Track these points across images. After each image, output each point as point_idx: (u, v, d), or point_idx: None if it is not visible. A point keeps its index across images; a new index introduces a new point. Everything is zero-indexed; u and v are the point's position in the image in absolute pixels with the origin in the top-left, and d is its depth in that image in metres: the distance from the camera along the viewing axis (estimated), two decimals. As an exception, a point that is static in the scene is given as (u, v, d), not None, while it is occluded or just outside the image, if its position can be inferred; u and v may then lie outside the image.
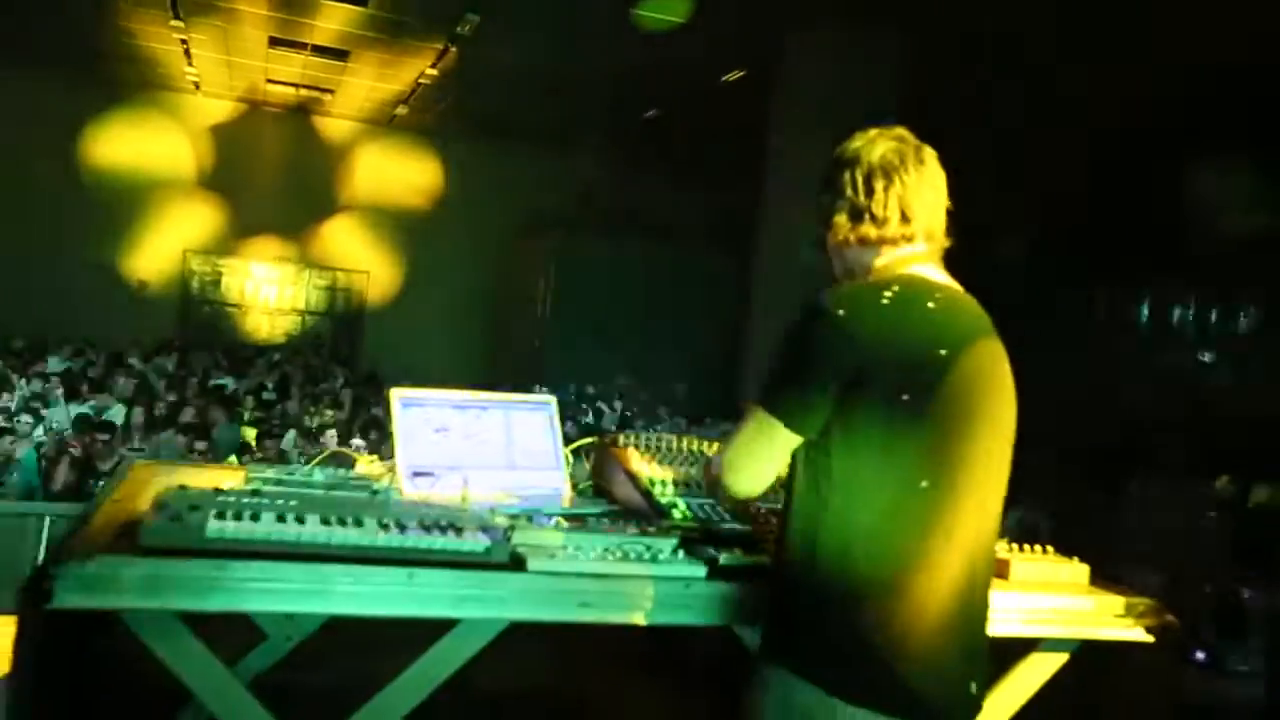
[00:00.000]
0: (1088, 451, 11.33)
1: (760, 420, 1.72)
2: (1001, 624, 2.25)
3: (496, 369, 17.81)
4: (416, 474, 2.41)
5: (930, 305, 1.70)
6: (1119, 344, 13.66)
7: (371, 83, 16.28)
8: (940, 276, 1.81)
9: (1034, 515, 8.14)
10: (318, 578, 1.80)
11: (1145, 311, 13.87)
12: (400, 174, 18.90)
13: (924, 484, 1.63)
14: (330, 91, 16.92)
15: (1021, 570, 2.33)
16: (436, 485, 2.38)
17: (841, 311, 1.68)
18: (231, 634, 2.75)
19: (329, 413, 10.79)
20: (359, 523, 1.89)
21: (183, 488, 1.93)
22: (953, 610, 1.66)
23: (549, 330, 17.99)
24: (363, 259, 19.01)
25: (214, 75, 16.51)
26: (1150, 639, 2.30)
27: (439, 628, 1.98)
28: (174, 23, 13.99)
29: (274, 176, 18.08)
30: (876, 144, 1.83)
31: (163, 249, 17.83)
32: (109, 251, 17.39)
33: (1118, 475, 10.57)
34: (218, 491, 1.94)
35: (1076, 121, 11.95)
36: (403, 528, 1.90)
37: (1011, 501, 1.83)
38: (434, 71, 15.22)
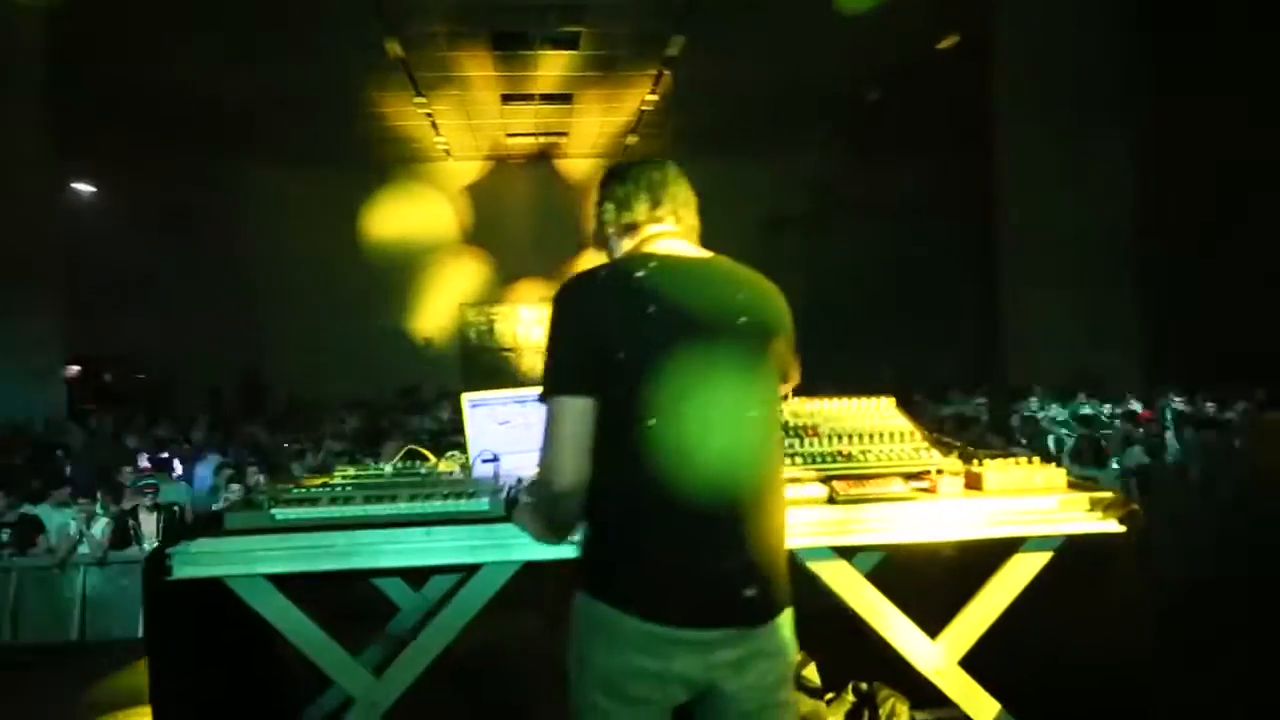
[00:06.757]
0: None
1: (548, 405, 2.00)
2: (969, 528, 2.51)
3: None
4: (484, 460, 2.93)
5: (640, 274, 2.01)
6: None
7: (600, 118, 17.25)
8: (680, 248, 2.14)
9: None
10: (358, 541, 2.36)
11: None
12: (642, 200, 19.75)
13: (651, 422, 1.91)
14: (564, 134, 18.07)
15: (993, 479, 2.56)
16: (500, 467, 2.90)
17: (565, 294, 2.04)
18: (375, 605, 3.41)
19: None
20: (394, 498, 2.43)
21: (272, 483, 2.54)
22: (698, 525, 1.91)
23: (803, 328, 18.22)
24: (619, 287, 19.96)
25: (460, 140, 18.10)
26: (1122, 529, 2.45)
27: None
28: (417, 99, 15.53)
29: (527, 222, 19.46)
30: (627, 162, 2.29)
31: (441, 305, 19.65)
32: (396, 315, 19.39)
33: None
34: (296, 486, 2.54)
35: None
36: (427, 498, 2.43)
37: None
38: (654, 97, 15.94)
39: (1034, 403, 10.68)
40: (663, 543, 1.92)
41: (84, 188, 18.66)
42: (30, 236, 11.79)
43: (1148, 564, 2.44)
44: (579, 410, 1.96)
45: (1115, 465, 7.38)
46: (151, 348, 18.76)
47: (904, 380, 15.33)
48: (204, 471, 8.86)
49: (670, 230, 2.18)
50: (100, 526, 6.92)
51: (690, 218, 2.22)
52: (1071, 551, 2.55)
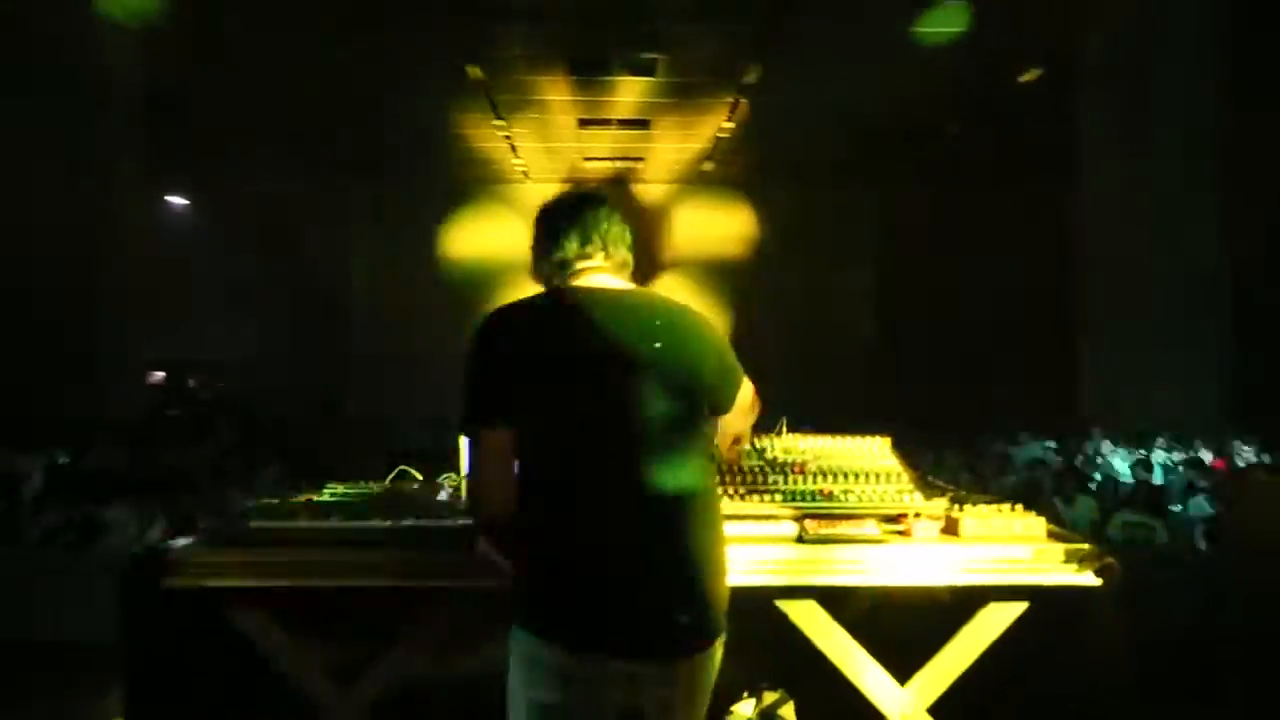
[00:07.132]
0: None
1: (468, 436, 2.04)
2: (940, 574, 2.47)
3: (828, 403, 18.07)
4: (475, 482, 2.97)
5: (555, 308, 2.07)
6: None
7: (676, 145, 17.33)
8: (603, 281, 2.15)
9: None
10: (330, 558, 2.41)
11: None
12: (717, 226, 19.90)
13: (566, 451, 1.95)
14: (640, 159, 18.21)
15: (970, 526, 2.52)
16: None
17: (482, 328, 2.06)
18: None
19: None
20: (365, 516, 2.49)
21: (268, 499, 2.61)
22: (619, 554, 1.93)
23: (874, 361, 18.13)
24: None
25: (538, 162, 18.36)
26: (1098, 582, 2.39)
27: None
28: (496, 122, 15.76)
29: (603, 246, 19.67)
30: (560, 198, 2.28)
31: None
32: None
33: None
34: (283, 501, 2.61)
35: None
36: (399, 518, 2.48)
37: None
38: (730, 124, 15.94)
39: (1104, 446, 10.41)
40: (583, 573, 1.94)
41: (178, 200, 19.36)
42: (122, 247, 12.21)
43: (1127, 617, 2.38)
44: (497, 441, 2.00)
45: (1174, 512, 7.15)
46: (237, 358, 19.36)
47: (977, 418, 15.07)
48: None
49: (599, 266, 2.19)
50: (158, 530, 7.12)
51: (621, 253, 2.22)
52: (1050, 602, 2.49)
